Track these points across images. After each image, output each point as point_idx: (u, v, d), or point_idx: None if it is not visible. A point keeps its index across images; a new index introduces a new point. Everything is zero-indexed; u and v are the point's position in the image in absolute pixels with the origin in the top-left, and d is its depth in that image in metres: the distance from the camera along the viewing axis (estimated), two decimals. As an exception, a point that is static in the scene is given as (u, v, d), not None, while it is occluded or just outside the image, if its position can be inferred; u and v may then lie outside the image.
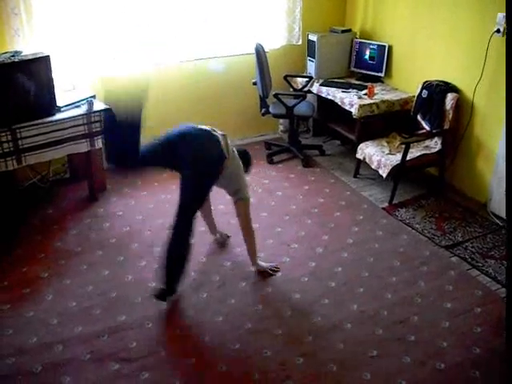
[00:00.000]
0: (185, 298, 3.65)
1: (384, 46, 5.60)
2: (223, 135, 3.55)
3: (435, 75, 5.00)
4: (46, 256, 4.09)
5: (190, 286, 3.77)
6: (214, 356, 3.17)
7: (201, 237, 4.31)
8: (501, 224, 4.49)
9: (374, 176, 5.15)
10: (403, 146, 4.65)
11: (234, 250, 4.16)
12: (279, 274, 3.89)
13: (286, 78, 5.71)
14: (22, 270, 3.91)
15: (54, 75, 4.27)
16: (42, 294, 3.68)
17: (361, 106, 5.10)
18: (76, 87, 4.82)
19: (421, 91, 5.00)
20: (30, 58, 4.16)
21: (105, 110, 4.51)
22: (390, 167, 4.69)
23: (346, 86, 5.58)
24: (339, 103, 5.41)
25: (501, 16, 4.28)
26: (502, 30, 4.29)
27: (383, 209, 4.77)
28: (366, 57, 5.79)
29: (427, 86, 4.95)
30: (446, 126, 4.79)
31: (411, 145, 4.70)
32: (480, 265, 3.99)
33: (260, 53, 5.24)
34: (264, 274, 3.87)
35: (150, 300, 3.60)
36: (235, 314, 3.51)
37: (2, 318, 3.45)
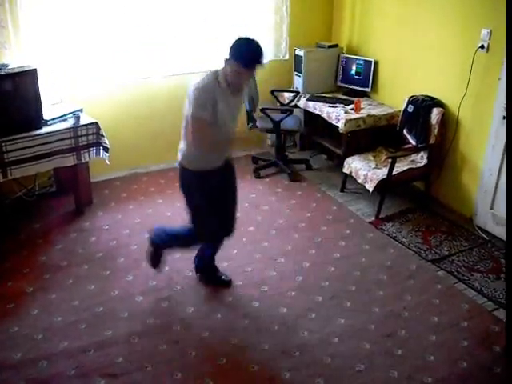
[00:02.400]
0: (171, 313, 3.63)
1: (370, 62, 5.64)
2: None
3: (421, 90, 5.04)
4: (31, 270, 4.05)
5: (176, 300, 3.75)
6: (200, 371, 3.15)
7: (187, 251, 4.29)
8: (486, 238, 4.52)
9: (361, 190, 5.17)
10: (389, 161, 4.67)
11: (221, 264, 4.14)
12: (266, 288, 3.88)
13: (272, 92, 5.73)
14: (7, 285, 3.87)
15: (40, 88, 4.27)
16: (27, 308, 3.64)
17: (347, 121, 5.13)
18: (63, 101, 4.81)
19: (407, 106, 5.04)
20: (17, 71, 4.16)
21: (91, 124, 4.52)
22: (377, 181, 4.71)
23: (332, 101, 5.61)
24: (326, 118, 5.44)
25: (485, 32, 4.33)
26: (485, 45, 4.35)
27: (370, 223, 4.78)
28: (353, 72, 5.83)
29: (413, 100, 4.99)
30: (432, 141, 4.83)
31: (397, 159, 4.73)
32: (466, 278, 4.00)
33: (247, 67, 5.25)
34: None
35: (136, 315, 3.59)
36: (222, 328, 3.50)
37: (-15, 333, 3.41)
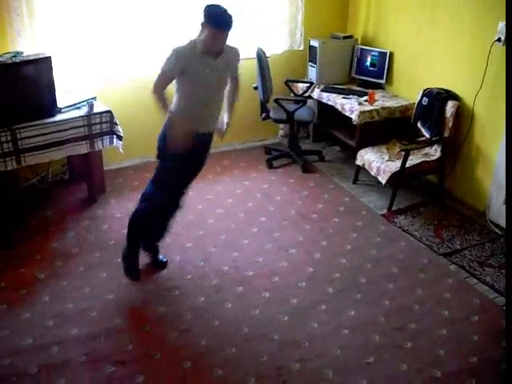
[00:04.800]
0: (182, 302, 3.65)
1: (385, 53, 5.61)
2: None
3: (436, 83, 5.01)
4: (44, 257, 4.08)
5: (187, 289, 3.77)
6: (209, 360, 3.16)
7: (198, 240, 4.31)
8: (499, 232, 4.49)
9: (373, 182, 5.15)
10: (403, 153, 4.65)
11: (232, 254, 4.15)
12: (277, 278, 3.88)
13: (286, 83, 5.71)
14: (20, 271, 3.90)
15: (55, 76, 4.28)
16: (39, 295, 3.67)
17: (361, 113, 5.10)
18: (77, 89, 4.83)
19: (421, 98, 5.01)
20: (32, 58, 4.17)
21: (105, 112, 4.53)
22: (390, 174, 4.69)
23: (346, 92, 5.59)
24: (340, 109, 5.41)
25: (502, 25, 4.28)
26: (502, 38, 4.30)
27: (382, 215, 4.76)
28: (368, 63, 5.80)
29: (428, 93, 4.95)
30: (446, 134, 4.80)
31: (411, 152, 4.70)
32: (478, 273, 3.98)
33: (261, 58, 5.24)
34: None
35: (147, 303, 3.61)
36: (232, 318, 3.51)
37: (-2, 318, 3.45)
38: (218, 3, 3.43)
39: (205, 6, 3.39)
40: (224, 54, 3.50)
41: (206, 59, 3.42)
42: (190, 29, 5.26)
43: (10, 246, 4.19)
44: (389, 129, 5.32)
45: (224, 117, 3.77)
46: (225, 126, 3.77)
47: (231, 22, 3.37)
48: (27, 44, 4.58)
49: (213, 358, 3.19)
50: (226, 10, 3.37)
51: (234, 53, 3.63)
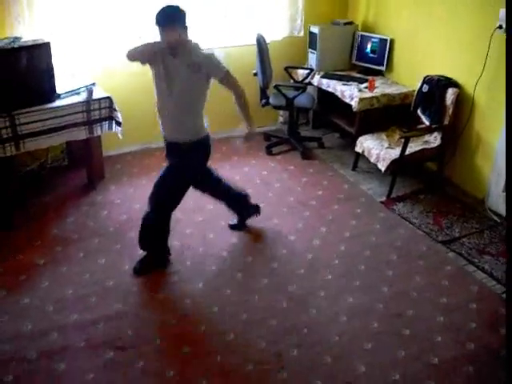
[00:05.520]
0: (181, 288, 3.66)
1: (386, 40, 5.58)
2: None
3: (436, 70, 4.99)
4: (43, 243, 4.08)
5: (186, 275, 3.78)
6: (209, 346, 3.18)
7: (198, 226, 4.31)
8: (498, 220, 4.49)
9: (373, 169, 5.14)
10: (402, 140, 4.64)
11: (231, 240, 4.16)
12: (276, 264, 3.89)
13: (286, 69, 5.70)
14: (19, 257, 3.91)
15: (54, 62, 4.27)
16: (38, 281, 3.68)
17: (361, 100, 5.09)
18: (76, 74, 4.81)
19: (421, 86, 4.99)
20: (30, 44, 4.15)
21: (104, 98, 4.52)
22: (389, 161, 4.69)
23: (346, 79, 5.57)
24: (339, 96, 5.40)
25: (503, 12, 4.26)
26: (504, 26, 4.28)
27: (381, 202, 4.77)
28: (368, 50, 5.77)
29: (428, 80, 4.93)
30: (446, 121, 4.79)
31: (411, 139, 4.69)
32: (476, 261, 3.99)
33: (261, 44, 5.22)
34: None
35: (146, 289, 3.62)
36: (231, 304, 3.52)
37: (-3, 304, 3.46)
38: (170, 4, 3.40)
39: None
40: (186, 56, 3.44)
41: (166, 56, 3.45)
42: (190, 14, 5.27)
43: (10, 231, 4.19)
44: (388, 116, 5.30)
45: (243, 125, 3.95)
46: (244, 139, 4.02)
47: (168, 17, 3.33)
48: (26, 30, 4.55)
49: (212, 343, 3.20)
50: (168, 7, 3.35)
51: (203, 56, 3.56)
